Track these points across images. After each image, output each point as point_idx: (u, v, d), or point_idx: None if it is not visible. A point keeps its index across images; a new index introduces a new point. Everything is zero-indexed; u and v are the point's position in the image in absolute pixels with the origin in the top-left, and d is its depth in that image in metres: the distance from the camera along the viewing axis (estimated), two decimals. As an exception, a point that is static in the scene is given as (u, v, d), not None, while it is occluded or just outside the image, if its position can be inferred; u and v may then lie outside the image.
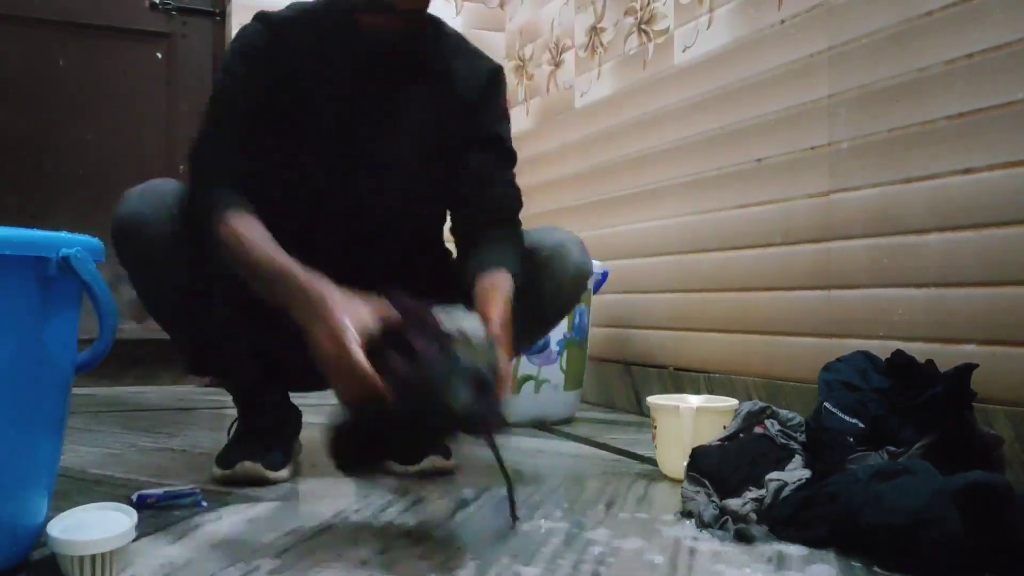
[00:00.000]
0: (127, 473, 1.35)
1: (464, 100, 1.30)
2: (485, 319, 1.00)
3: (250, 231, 1.09)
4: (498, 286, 1.13)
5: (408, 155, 1.29)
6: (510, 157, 1.34)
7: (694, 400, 1.40)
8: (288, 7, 1.30)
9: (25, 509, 0.78)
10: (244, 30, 1.26)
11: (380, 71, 1.27)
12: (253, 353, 1.33)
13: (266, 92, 1.22)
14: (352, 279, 1.02)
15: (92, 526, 0.83)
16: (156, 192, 1.23)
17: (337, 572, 0.87)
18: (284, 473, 1.30)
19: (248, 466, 1.26)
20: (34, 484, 0.87)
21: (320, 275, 1.01)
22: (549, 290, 1.34)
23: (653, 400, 1.40)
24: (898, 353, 1.21)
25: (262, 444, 1.31)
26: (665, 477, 1.36)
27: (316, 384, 1.42)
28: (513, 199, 1.32)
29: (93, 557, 0.81)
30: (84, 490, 1.21)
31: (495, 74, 1.35)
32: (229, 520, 1.06)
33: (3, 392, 0.80)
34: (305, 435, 1.45)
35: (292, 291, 1.00)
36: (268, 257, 1.05)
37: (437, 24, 1.33)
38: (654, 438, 1.38)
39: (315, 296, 0.97)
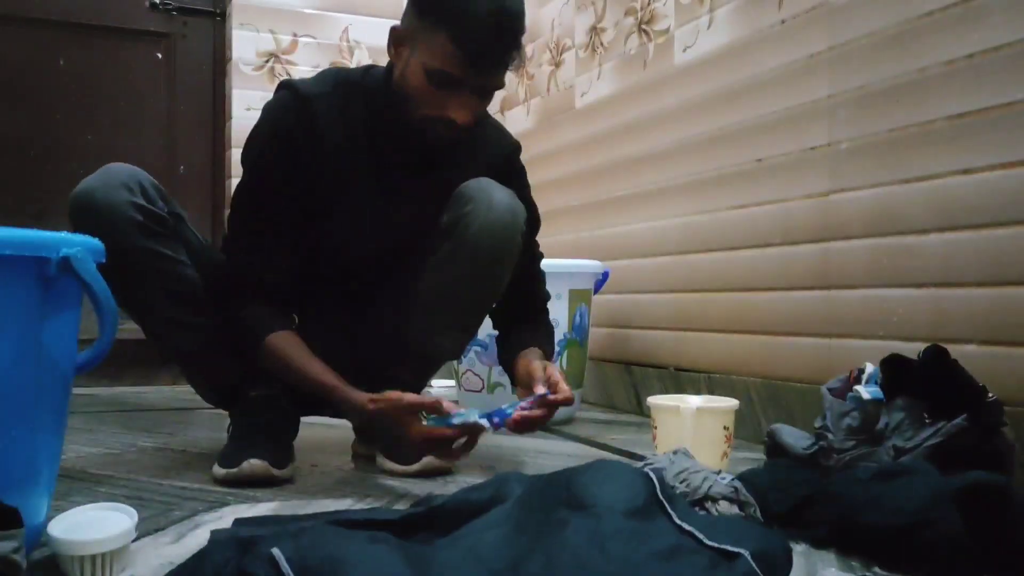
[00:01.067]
0: (127, 473, 1.35)
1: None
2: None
3: (291, 350, 1.29)
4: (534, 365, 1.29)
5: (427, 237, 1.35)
6: (533, 227, 1.46)
7: (694, 400, 1.40)
8: (321, 75, 1.34)
9: (25, 509, 0.78)
10: (273, 104, 1.30)
11: (412, 158, 1.34)
12: (233, 352, 1.35)
13: (293, 177, 1.29)
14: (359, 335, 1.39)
15: (92, 526, 0.83)
16: (107, 171, 1.34)
17: (337, 572, 0.86)
18: (288, 471, 1.30)
19: (255, 464, 1.25)
20: (34, 484, 0.87)
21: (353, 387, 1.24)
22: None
23: (653, 400, 1.40)
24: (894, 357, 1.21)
25: (264, 441, 1.31)
26: (665, 477, 1.36)
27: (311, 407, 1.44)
28: (542, 295, 1.52)
29: (93, 557, 0.81)
30: (84, 490, 1.21)
31: (512, 157, 1.48)
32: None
33: (3, 392, 0.80)
34: (305, 436, 1.45)
35: (339, 401, 1.24)
36: (311, 375, 1.26)
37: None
38: (654, 438, 1.38)
39: (359, 404, 1.21)
